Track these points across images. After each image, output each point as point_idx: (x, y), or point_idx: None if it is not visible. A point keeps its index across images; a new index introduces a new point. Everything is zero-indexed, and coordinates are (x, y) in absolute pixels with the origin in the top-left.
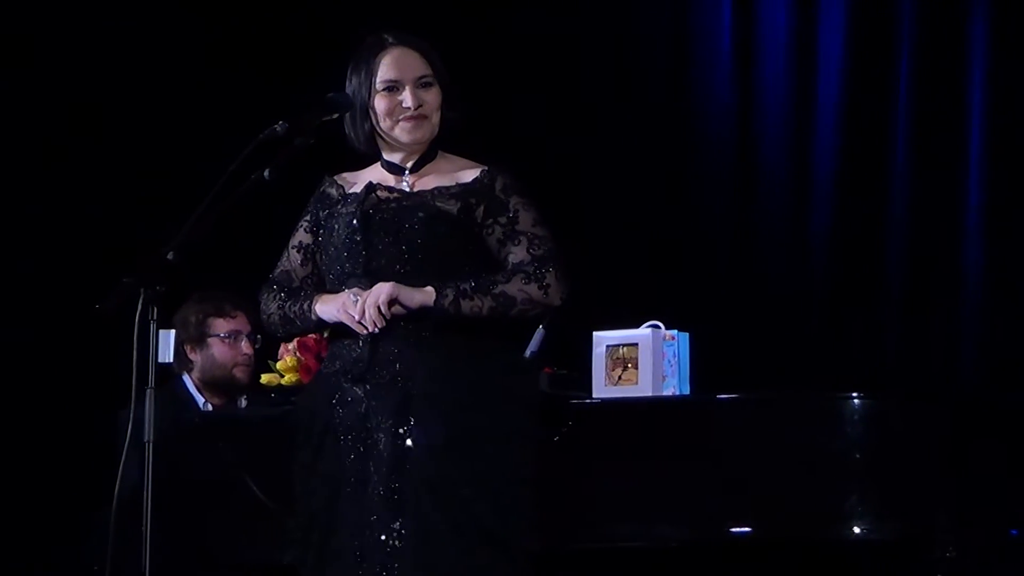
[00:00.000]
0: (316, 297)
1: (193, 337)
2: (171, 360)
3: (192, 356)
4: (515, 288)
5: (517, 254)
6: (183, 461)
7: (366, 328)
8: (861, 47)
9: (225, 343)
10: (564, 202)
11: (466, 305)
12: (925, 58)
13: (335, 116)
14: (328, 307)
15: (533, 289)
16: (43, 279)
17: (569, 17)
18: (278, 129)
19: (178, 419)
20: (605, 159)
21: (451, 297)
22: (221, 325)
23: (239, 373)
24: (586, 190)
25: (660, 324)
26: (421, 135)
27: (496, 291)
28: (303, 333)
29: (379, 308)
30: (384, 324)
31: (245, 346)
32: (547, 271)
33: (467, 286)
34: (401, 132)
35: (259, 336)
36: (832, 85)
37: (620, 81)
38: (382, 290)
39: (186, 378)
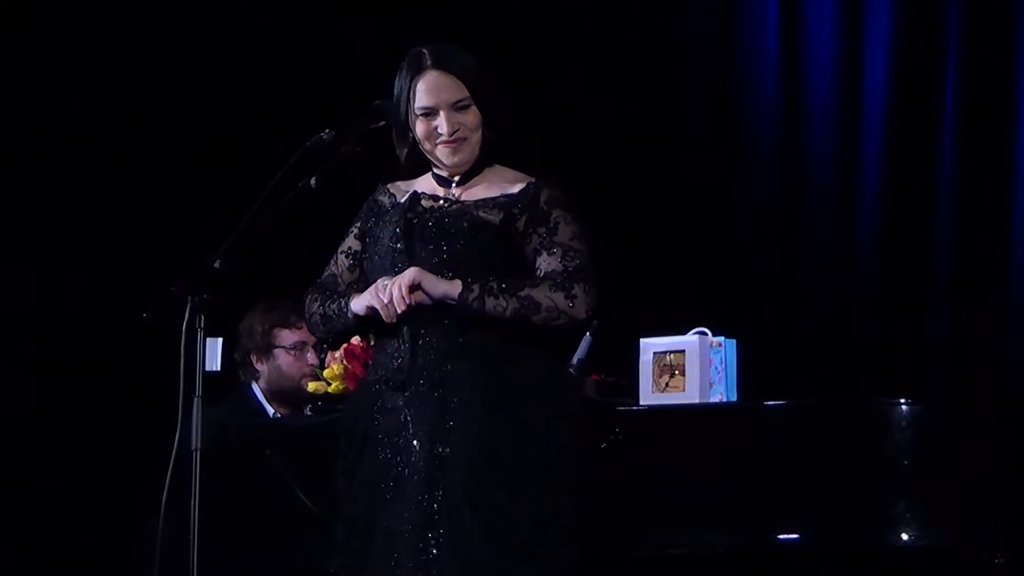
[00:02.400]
0: (352, 294)
1: (259, 347)
2: (217, 368)
3: (258, 366)
4: (541, 294)
5: (550, 264)
6: (232, 469)
7: (391, 313)
8: (907, 52)
9: (291, 354)
10: (610, 209)
11: (490, 303)
12: (972, 62)
13: (382, 124)
14: (360, 298)
15: (559, 297)
16: (92, 289)
17: (614, 22)
18: (325, 137)
19: (243, 426)
20: (650, 166)
21: (476, 292)
22: (287, 336)
23: (306, 385)
24: (632, 197)
25: (707, 331)
26: (461, 158)
27: (522, 293)
28: (342, 331)
29: (401, 290)
30: (405, 308)
31: (311, 357)
32: (576, 283)
33: (494, 284)
34: (441, 156)
35: (325, 346)
36: (878, 92)
37: (665, 85)
38: (406, 274)
39: (255, 387)
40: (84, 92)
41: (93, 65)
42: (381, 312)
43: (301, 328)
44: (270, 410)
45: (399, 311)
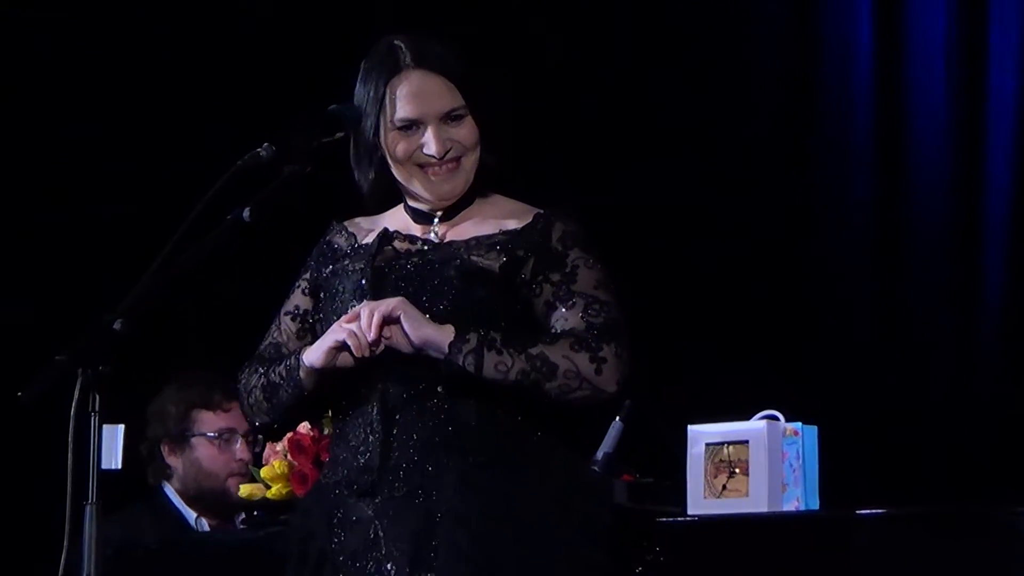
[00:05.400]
0: (305, 347)
1: (173, 435)
2: (117, 466)
3: (172, 460)
4: (559, 353)
5: (568, 319)
6: None
7: (360, 344)
8: None
9: (214, 445)
10: (654, 255)
11: (490, 360)
12: None
13: (339, 136)
14: (316, 345)
15: (583, 360)
16: None
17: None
18: (262, 154)
19: (134, 544)
20: (708, 203)
21: (473, 344)
22: (209, 421)
23: (234, 486)
24: (683, 240)
25: (778, 415)
26: (451, 188)
27: (534, 351)
28: (292, 402)
29: (374, 316)
30: (376, 338)
31: (241, 449)
32: (605, 343)
33: (497, 336)
34: (423, 186)
35: (260, 436)
36: (1007, 111)
37: (727, 97)
38: (387, 300)
39: (167, 488)
40: None
41: None
42: (349, 342)
43: (229, 411)
44: (190, 516)
45: (371, 338)
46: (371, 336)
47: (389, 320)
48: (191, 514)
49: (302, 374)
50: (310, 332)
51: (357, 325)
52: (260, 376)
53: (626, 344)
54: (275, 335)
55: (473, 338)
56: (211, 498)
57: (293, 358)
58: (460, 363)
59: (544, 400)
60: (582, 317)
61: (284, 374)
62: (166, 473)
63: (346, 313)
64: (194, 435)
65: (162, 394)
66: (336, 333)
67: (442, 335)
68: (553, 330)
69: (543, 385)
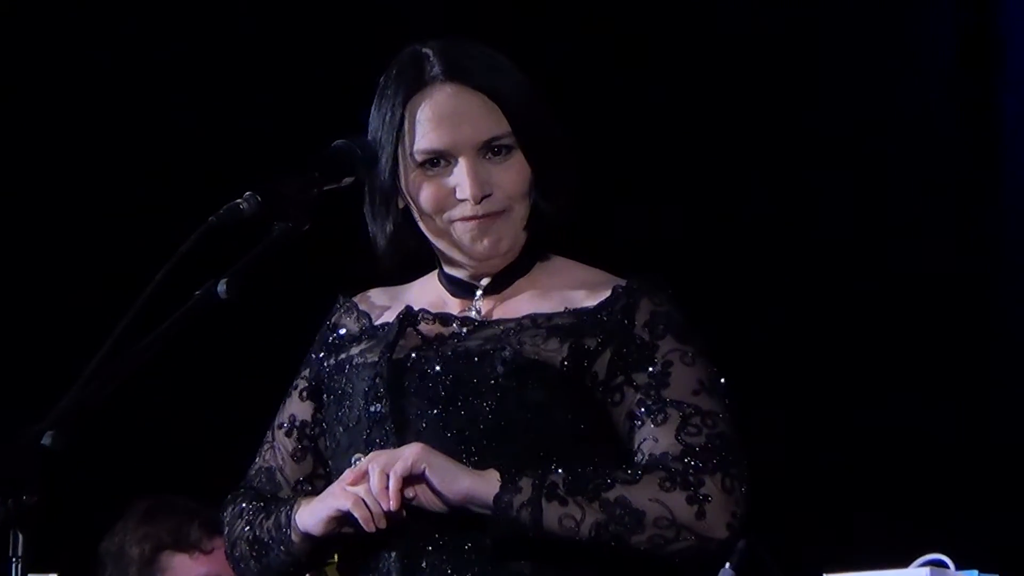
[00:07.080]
0: (300, 500)
1: None
2: None
3: None
4: (645, 495)
5: (659, 440)
6: None
7: (371, 515)
8: None
9: None
10: (777, 344)
11: (553, 513)
12: None
13: (347, 182)
14: (315, 504)
15: (678, 501)
16: None
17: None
18: (244, 207)
19: None
20: (852, 285)
21: (528, 494)
22: (184, 567)
23: None
24: (816, 327)
25: (947, 560)
26: (491, 245)
27: (611, 495)
28: (287, 569)
29: (389, 476)
30: (396, 509)
31: None
32: (708, 473)
33: (559, 479)
34: (457, 245)
35: None
36: None
37: (853, 115)
38: (403, 453)
39: None
40: None
41: None
42: (356, 514)
43: (211, 553)
44: None
45: (388, 508)
46: (389, 507)
47: (410, 478)
48: None
49: (295, 537)
50: (310, 451)
51: (366, 489)
52: (246, 524)
53: (739, 471)
54: (267, 456)
55: (527, 485)
56: None
57: (284, 514)
58: (512, 520)
59: (631, 556)
60: (677, 437)
61: (274, 532)
62: None
63: (356, 421)
64: None
65: (120, 528)
66: (337, 499)
67: (485, 486)
68: (638, 455)
69: (628, 539)
